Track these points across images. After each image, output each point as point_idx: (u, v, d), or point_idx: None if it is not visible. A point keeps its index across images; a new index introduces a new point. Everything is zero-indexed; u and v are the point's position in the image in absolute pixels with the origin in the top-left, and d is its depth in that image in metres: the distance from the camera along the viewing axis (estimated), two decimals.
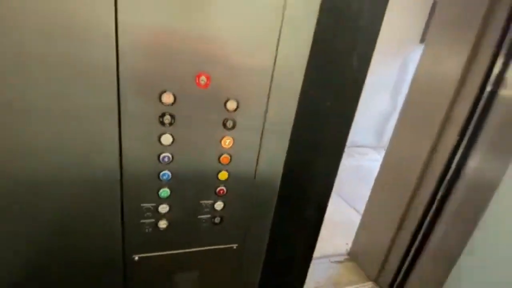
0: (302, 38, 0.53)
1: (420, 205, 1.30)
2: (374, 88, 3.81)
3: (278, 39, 0.50)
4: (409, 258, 1.38)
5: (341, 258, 1.82)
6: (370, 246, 1.67)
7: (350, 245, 1.86)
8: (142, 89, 0.47)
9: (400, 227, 1.44)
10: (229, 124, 0.54)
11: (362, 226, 1.76)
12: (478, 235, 1.10)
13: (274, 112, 0.56)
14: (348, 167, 3.26)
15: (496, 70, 1.05)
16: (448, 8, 1.22)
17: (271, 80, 0.53)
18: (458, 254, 1.15)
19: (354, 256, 1.81)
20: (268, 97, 0.54)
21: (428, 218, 1.26)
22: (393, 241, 1.49)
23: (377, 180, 1.62)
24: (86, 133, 0.46)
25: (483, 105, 1.08)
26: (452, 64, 1.17)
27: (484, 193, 1.07)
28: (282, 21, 0.49)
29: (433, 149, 1.25)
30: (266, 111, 0.55)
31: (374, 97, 3.99)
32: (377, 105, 4.09)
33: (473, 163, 1.12)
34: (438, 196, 1.21)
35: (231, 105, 0.52)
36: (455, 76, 1.16)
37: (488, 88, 1.07)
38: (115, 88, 0.45)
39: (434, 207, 1.23)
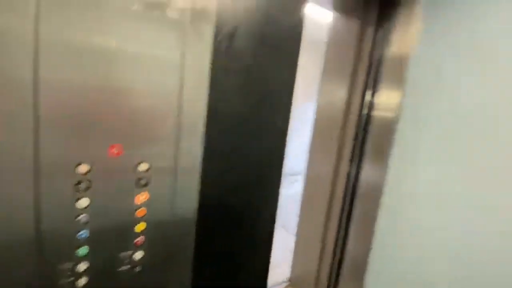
0: (199, 99, 0.71)
1: (333, 224, 1.58)
2: (301, 119, 4.39)
3: (179, 106, 0.68)
4: (333, 275, 1.62)
5: (283, 285, 1.97)
6: (304, 269, 1.87)
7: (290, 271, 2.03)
8: (59, 161, 0.57)
9: (323, 247, 1.69)
10: (143, 182, 0.67)
11: (296, 250, 1.96)
12: (375, 244, 1.40)
13: (183, 164, 0.71)
14: (283, 195, 3.55)
15: (367, 97, 1.44)
16: (332, 53, 1.64)
17: (177, 141, 0.69)
18: (365, 265, 1.42)
19: (294, 281, 1.98)
20: (176, 154, 0.70)
21: (341, 236, 1.54)
22: (320, 260, 1.72)
23: (301, 204, 1.88)
24: (2, 199, 0.53)
25: (363, 126, 1.45)
26: (338, 96, 1.56)
27: (373, 204, 1.39)
28: (181, 87, 0.67)
29: (336, 172, 1.57)
30: (175, 166, 0.71)
31: (302, 126, 4.55)
32: (305, 134, 4.66)
33: (363, 178, 1.45)
34: (344, 214, 1.50)
35: (143, 166, 0.66)
36: (341, 106, 1.54)
37: (365, 111, 1.44)
38: (32, 157, 0.54)
39: (343, 225, 1.52)
